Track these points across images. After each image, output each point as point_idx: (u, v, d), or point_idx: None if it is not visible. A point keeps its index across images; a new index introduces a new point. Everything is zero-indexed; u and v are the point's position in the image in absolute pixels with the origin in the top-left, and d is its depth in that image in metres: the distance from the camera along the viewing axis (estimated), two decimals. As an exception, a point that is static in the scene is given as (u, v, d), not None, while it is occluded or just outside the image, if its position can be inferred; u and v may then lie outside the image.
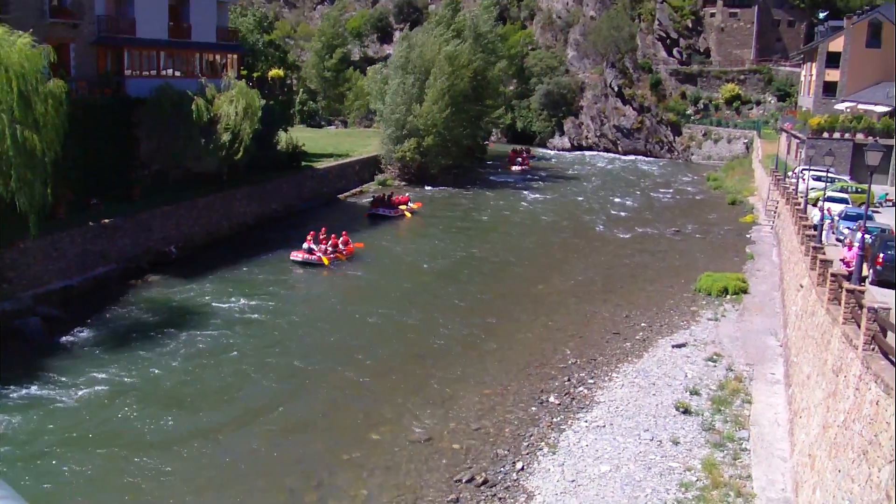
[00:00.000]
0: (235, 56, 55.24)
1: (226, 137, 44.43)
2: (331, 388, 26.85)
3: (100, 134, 41.28)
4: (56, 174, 32.30)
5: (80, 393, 24.91)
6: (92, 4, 42.95)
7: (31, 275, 32.24)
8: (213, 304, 34.36)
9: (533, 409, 25.38)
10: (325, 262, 41.10)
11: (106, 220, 37.34)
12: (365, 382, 27.33)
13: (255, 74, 63.25)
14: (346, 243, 43.13)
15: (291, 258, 41.36)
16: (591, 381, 27.49)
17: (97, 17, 43.37)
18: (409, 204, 57.47)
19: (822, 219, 34.67)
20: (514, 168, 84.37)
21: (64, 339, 29.43)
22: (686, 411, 24.45)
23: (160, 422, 23.52)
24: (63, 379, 25.81)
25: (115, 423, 23.28)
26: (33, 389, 24.83)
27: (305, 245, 41.34)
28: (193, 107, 43.59)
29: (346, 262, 42.30)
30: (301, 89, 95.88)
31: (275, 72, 66.10)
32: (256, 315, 33.53)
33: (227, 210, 47.01)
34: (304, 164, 60.02)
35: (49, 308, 31.61)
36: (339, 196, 61.54)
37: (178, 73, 48.73)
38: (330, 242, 42.12)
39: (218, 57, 53.16)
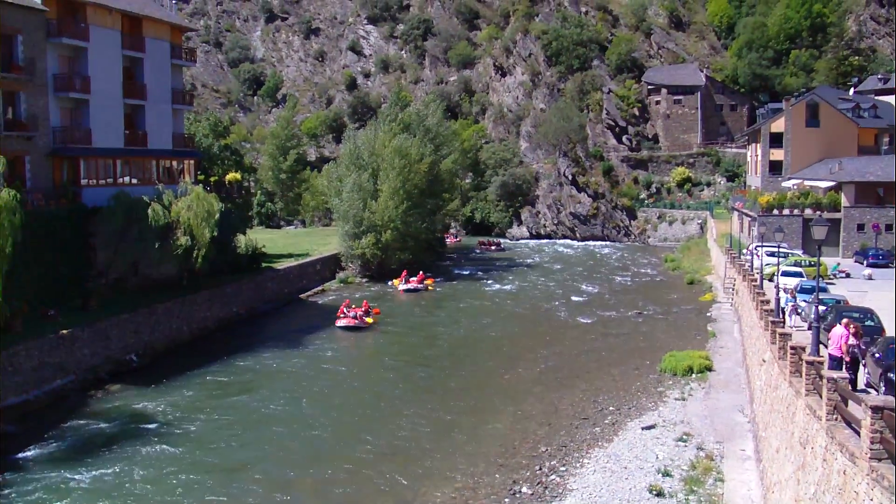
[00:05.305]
0: (192, 161, 55.62)
1: (184, 242, 44.27)
2: (298, 494, 26.21)
3: (55, 245, 41.06)
4: (11, 287, 31.85)
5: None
6: (47, 116, 43.19)
7: (-15, 391, 31.41)
8: (175, 412, 33.64)
9: (506, 500, 24.98)
10: (369, 321, 50.24)
11: (63, 332, 36.70)
12: (332, 486, 26.73)
13: (212, 179, 63.52)
14: (368, 310, 51.67)
15: (338, 325, 49.52)
16: (563, 468, 27.21)
17: (52, 129, 43.57)
18: (427, 277, 67.44)
19: (778, 301, 34.19)
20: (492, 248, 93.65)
21: (21, 455, 28.51)
22: (660, 494, 24.25)
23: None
24: (18, 501, 24.94)
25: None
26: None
27: (352, 313, 50.12)
28: (150, 213, 43.54)
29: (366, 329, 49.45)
30: (258, 191, 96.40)
31: (232, 175, 66.42)
32: (219, 421, 32.86)
33: (187, 315, 46.56)
34: (264, 265, 60.01)
35: (5, 424, 30.74)
36: (301, 296, 61.32)
37: (135, 181, 48.85)
38: (363, 309, 51.15)
39: (174, 163, 53.48)
